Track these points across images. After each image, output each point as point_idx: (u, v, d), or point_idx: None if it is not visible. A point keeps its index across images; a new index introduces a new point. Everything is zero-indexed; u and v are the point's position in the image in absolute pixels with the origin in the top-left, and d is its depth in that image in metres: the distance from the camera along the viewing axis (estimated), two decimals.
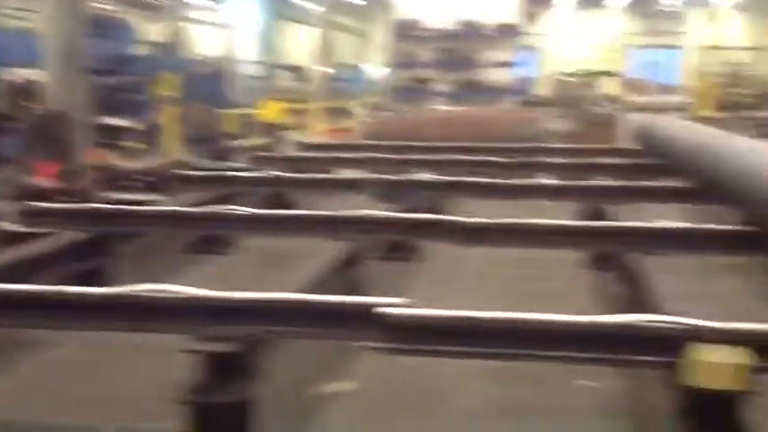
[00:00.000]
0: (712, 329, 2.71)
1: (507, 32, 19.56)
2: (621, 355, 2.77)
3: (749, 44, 33.32)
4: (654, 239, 4.63)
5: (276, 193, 6.38)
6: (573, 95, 14.83)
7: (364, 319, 2.81)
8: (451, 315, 2.82)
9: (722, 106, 18.49)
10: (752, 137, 6.62)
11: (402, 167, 7.58)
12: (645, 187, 6.23)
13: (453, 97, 20.38)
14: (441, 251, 6.58)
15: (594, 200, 6.19)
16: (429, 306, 2.91)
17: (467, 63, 21.06)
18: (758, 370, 2.62)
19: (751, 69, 31.53)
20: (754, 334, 2.70)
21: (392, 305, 2.83)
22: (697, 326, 2.73)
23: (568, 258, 5.64)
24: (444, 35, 20.90)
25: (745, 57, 31.05)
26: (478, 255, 6.29)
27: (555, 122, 13.55)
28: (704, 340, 2.68)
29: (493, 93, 20.96)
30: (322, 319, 2.93)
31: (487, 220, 4.85)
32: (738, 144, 5.36)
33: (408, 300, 2.93)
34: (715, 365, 2.60)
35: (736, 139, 5.72)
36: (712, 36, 28.76)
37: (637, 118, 9.03)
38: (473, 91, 20.65)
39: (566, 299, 4.90)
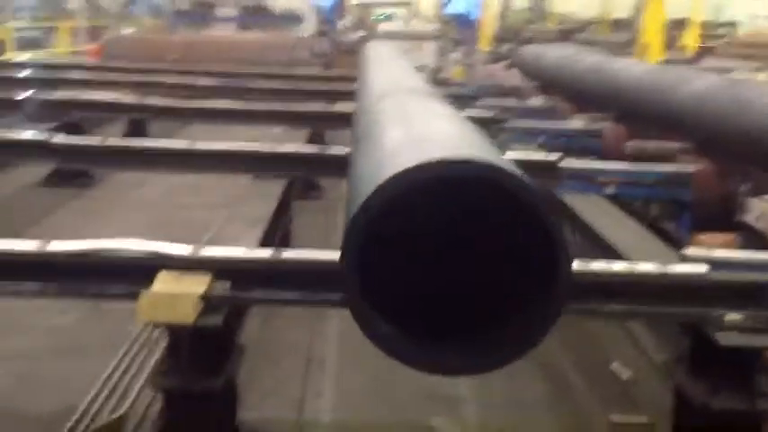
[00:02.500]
0: (180, 257, 2.46)
1: None
2: (82, 285, 2.47)
3: None
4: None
5: None
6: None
7: None
8: None
9: (503, 39, 18.75)
10: None
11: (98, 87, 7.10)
12: None
13: (240, 23, 19.66)
14: (120, 177, 6.23)
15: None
16: None
17: None
18: (222, 299, 2.39)
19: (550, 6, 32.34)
20: (226, 260, 2.47)
21: None
22: (165, 253, 2.47)
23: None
24: None
25: None
26: (162, 181, 5.98)
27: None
28: (172, 267, 2.43)
29: (285, 20, 20.33)
30: None
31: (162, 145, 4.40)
32: None
33: None
34: (168, 297, 2.34)
35: None
36: None
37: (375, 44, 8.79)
38: (261, 17, 19.94)
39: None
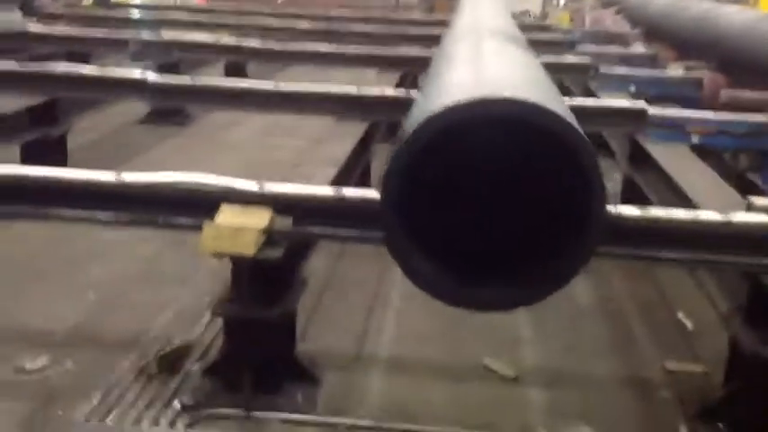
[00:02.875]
0: (245, 192, 2.56)
1: None
2: (152, 215, 2.61)
3: None
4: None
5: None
6: None
7: None
8: None
9: None
10: None
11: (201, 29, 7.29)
12: None
13: None
14: (214, 117, 6.40)
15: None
16: None
17: None
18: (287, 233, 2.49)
19: None
20: (288, 196, 2.56)
21: None
22: (231, 187, 2.57)
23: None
24: None
25: None
26: (255, 122, 6.13)
27: None
28: (237, 201, 2.53)
29: None
30: None
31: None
32: None
33: None
34: (230, 229, 2.45)
35: None
36: None
37: None
38: None
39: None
